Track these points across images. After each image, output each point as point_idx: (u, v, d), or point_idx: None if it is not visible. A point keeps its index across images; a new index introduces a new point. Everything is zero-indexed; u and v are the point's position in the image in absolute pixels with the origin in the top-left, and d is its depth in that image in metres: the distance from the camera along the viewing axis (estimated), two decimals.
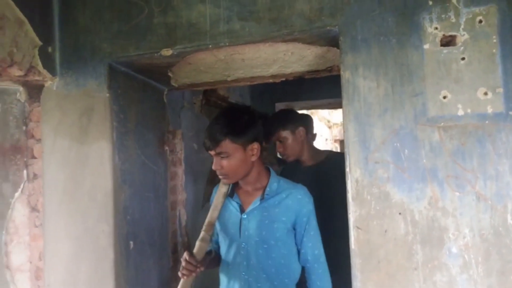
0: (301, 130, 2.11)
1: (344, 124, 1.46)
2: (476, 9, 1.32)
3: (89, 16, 1.77)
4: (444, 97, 1.34)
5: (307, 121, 2.23)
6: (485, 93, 1.31)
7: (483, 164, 1.30)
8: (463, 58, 1.33)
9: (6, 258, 1.80)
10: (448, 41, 1.35)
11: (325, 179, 2.00)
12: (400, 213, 1.37)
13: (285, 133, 2.10)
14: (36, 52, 1.71)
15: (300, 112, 2.31)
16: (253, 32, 1.56)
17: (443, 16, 1.35)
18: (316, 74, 1.93)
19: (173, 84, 2.12)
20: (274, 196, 1.52)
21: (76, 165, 1.77)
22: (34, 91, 1.84)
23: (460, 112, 1.33)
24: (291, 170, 2.20)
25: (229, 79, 2.03)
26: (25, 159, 1.84)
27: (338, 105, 3.89)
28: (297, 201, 1.50)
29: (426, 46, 1.37)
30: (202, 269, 1.46)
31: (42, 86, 1.82)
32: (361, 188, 1.41)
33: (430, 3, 1.37)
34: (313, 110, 5.88)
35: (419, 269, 1.34)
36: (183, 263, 1.44)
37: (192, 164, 2.66)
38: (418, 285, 1.33)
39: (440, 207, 1.33)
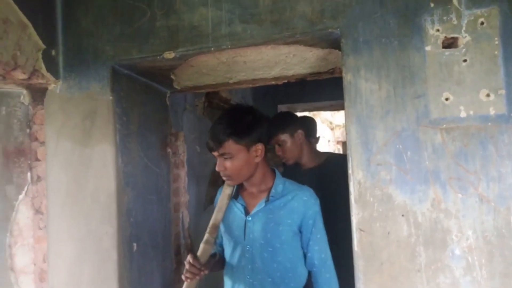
0: (300, 133, 2.10)
1: (346, 126, 1.46)
2: (478, 11, 1.32)
3: (92, 20, 1.78)
4: (446, 99, 1.34)
5: (306, 124, 2.22)
6: (487, 95, 1.30)
7: (486, 166, 1.29)
8: (465, 60, 1.33)
9: (11, 260, 1.81)
10: (450, 43, 1.35)
11: (326, 181, 1.99)
12: (402, 215, 1.36)
13: (284, 136, 2.09)
14: (40, 55, 1.72)
15: (302, 114, 2.31)
16: (255, 34, 1.56)
17: (444, 18, 1.35)
18: (318, 76, 1.93)
19: (176, 87, 2.12)
20: (280, 198, 1.48)
21: (79, 168, 1.77)
22: (38, 94, 1.85)
23: (463, 114, 1.33)
24: (291, 173, 2.19)
25: (231, 81, 2.03)
26: (29, 162, 1.85)
27: (340, 107, 3.88)
28: (303, 203, 1.47)
29: (428, 48, 1.37)
30: (206, 272, 1.44)
31: (46, 89, 1.83)
32: (363, 190, 1.40)
33: (432, 5, 1.37)
34: (315, 112, 5.88)
35: (422, 271, 1.34)
36: (187, 266, 1.42)
37: (194, 166, 2.67)
38: (421, 287, 1.33)
39: (443, 209, 1.33)
